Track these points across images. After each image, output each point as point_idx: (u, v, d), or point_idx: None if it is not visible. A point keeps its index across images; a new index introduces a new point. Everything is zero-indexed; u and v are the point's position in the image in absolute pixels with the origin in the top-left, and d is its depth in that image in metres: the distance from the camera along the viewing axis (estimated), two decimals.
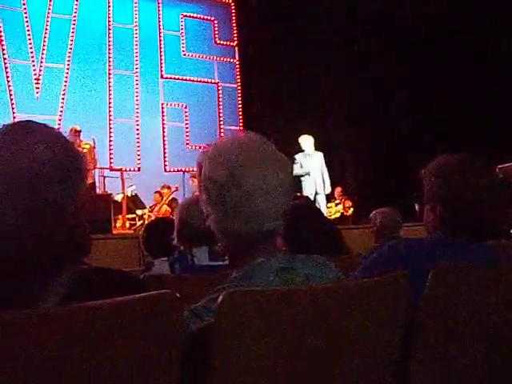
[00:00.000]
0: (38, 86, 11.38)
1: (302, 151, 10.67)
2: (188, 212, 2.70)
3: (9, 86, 11.13)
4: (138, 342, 1.12)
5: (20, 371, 1.04)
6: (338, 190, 11.64)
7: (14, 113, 10.87)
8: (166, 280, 2.22)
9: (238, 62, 13.37)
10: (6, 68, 11.16)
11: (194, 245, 2.66)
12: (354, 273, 1.98)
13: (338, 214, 11.34)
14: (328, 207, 11.17)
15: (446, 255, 1.84)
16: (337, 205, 11.58)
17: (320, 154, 10.88)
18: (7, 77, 11.13)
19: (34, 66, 11.43)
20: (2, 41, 11.16)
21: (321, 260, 1.57)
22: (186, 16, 13.01)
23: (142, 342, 1.12)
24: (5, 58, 11.17)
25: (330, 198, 11.42)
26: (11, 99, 11.05)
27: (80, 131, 9.75)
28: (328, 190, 10.98)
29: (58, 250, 1.26)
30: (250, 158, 1.47)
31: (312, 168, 10.58)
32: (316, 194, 10.62)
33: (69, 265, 1.24)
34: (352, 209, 11.59)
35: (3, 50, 11.16)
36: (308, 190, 10.42)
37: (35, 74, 11.40)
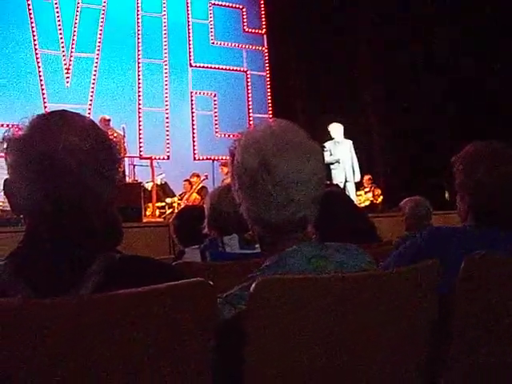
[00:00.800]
0: (68, 75, 11.48)
1: (332, 139, 10.64)
2: (219, 200, 2.71)
3: (40, 75, 11.25)
4: (172, 330, 1.13)
5: (56, 358, 1.06)
6: (367, 177, 11.59)
7: (44, 102, 10.99)
8: (198, 268, 2.23)
9: (266, 50, 13.33)
10: (37, 58, 11.28)
11: (225, 233, 2.66)
12: (386, 261, 1.97)
13: (367, 202, 11.30)
14: (357, 195, 11.14)
15: (477, 245, 1.82)
16: (366, 193, 11.54)
17: (349, 142, 10.85)
18: (38, 67, 11.26)
19: (64, 55, 11.53)
20: (34, 31, 11.27)
21: (353, 248, 1.56)
22: (214, 4, 13.00)
23: (176, 329, 1.13)
24: (36, 48, 11.29)
25: (359, 186, 11.38)
26: (42, 89, 11.18)
27: (109, 120, 9.82)
28: (358, 177, 10.95)
29: (93, 238, 1.27)
30: (283, 146, 1.46)
31: (341, 156, 10.55)
32: (346, 181, 10.60)
33: (104, 253, 1.25)
34: (381, 197, 11.53)
35: (34, 40, 11.28)
36: (338, 178, 10.40)
37: (65, 64, 11.50)
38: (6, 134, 1.27)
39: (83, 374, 1.07)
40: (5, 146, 1.27)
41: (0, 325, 1.03)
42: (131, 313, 1.09)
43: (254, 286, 1.20)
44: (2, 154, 1.28)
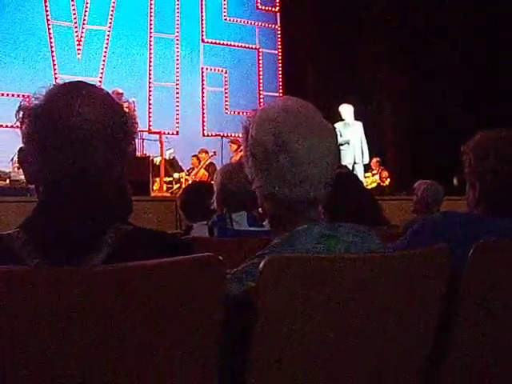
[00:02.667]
0: (79, 47, 11.48)
1: (342, 120, 10.61)
2: (229, 177, 2.71)
3: (51, 47, 11.24)
4: (180, 304, 1.13)
5: (64, 327, 1.06)
6: (376, 160, 11.58)
7: (55, 74, 11.00)
8: (206, 243, 2.24)
9: (279, 28, 13.25)
10: (48, 29, 11.27)
11: (234, 210, 2.67)
12: (396, 243, 1.96)
13: (374, 185, 11.30)
14: (365, 177, 11.13)
15: (486, 231, 1.81)
16: (374, 175, 11.54)
17: (359, 124, 10.82)
18: (50, 38, 11.24)
19: (76, 27, 11.51)
20: (46, 2, 11.24)
21: (363, 229, 1.56)
22: None
23: (184, 303, 1.13)
24: (48, 20, 11.27)
25: (367, 168, 11.37)
26: (53, 60, 11.17)
27: (122, 94, 9.80)
28: (366, 160, 10.95)
29: (106, 208, 1.28)
30: (298, 123, 1.45)
31: (351, 137, 10.53)
32: (354, 163, 10.59)
33: (115, 224, 1.25)
34: (389, 180, 11.52)
35: (47, 11, 11.26)
36: (347, 160, 10.38)
37: (77, 36, 11.49)
38: (22, 104, 1.27)
39: (91, 343, 1.07)
40: (20, 115, 1.27)
41: (12, 292, 1.04)
42: (141, 285, 1.09)
43: (263, 263, 1.19)
44: (18, 124, 1.28)
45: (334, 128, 1.58)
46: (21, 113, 1.27)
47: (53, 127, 1.23)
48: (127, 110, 1.32)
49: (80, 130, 1.23)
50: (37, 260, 1.18)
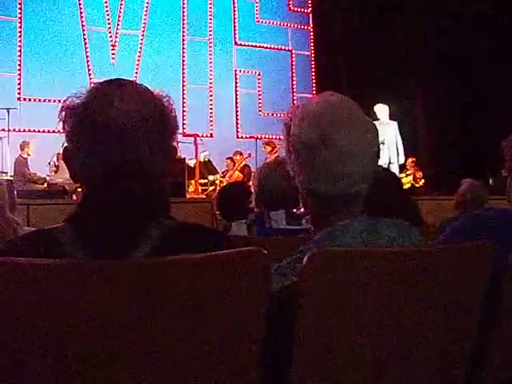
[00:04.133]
0: (113, 52, 11.62)
1: (377, 120, 10.54)
2: (267, 175, 2.72)
3: (86, 52, 11.39)
4: (226, 298, 1.13)
5: (106, 319, 1.07)
6: (411, 160, 11.50)
7: (90, 78, 11.13)
8: (246, 242, 2.24)
9: (311, 29, 13.22)
10: (83, 35, 11.42)
11: (272, 208, 2.67)
12: (436, 240, 1.95)
13: (408, 185, 11.20)
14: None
15: None
16: (408, 175, 11.44)
17: (395, 124, 10.76)
18: (85, 43, 11.40)
19: (110, 32, 11.66)
20: (81, 8, 11.39)
21: (404, 225, 1.55)
22: None
23: (230, 297, 1.13)
24: (83, 25, 11.42)
25: (402, 168, 11.29)
26: (88, 65, 11.32)
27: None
28: (402, 159, 10.88)
29: (149, 203, 1.29)
30: (340, 119, 1.46)
31: (386, 137, 10.46)
32: (389, 163, 10.52)
33: (159, 218, 1.26)
34: (423, 180, 11.42)
35: (81, 17, 11.42)
36: (382, 160, 10.28)
37: (111, 41, 11.63)
38: (64, 103, 1.29)
39: (134, 336, 1.08)
40: (63, 114, 1.29)
41: (58, 286, 1.05)
42: (186, 279, 1.09)
43: (307, 257, 1.19)
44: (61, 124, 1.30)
45: (374, 124, 1.58)
46: (63, 112, 1.29)
47: (92, 123, 1.24)
48: (167, 105, 1.33)
49: (118, 123, 1.24)
50: (82, 254, 1.20)
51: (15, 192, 3.05)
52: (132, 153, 1.25)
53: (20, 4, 11.21)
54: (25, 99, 10.98)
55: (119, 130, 1.24)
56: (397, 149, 10.72)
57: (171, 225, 1.26)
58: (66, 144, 1.31)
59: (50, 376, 1.08)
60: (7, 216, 2.45)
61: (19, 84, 11.07)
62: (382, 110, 10.67)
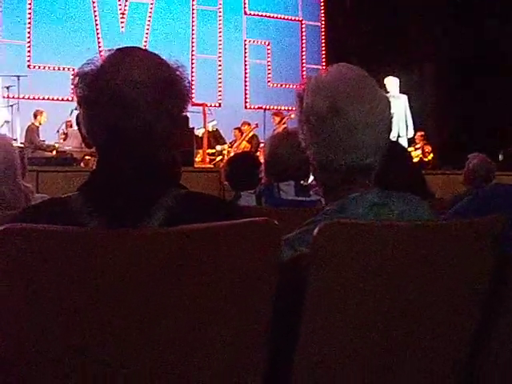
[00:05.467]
0: (123, 20, 11.55)
1: (387, 93, 10.48)
2: (277, 146, 2.71)
3: (95, 20, 11.34)
4: (236, 267, 1.13)
5: (120, 288, 1.09)
6: (420, 134, 11.43)
7: (99, 47, 11.08)
8: (255, 212, 2.25)
9: (322, 0, 13.09)
10: (93, 3, 11.36)
11: (281, 179, 2.68)
12: (445, 214, 1.95)
13: (416, 159, 11.15)
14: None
15: None
16: (416, 149, 11.39)
17: (404, 97, 10.69)
18: (94, 12, 11.34)
19: (119, 1, 11.59)
20: None
21: (414, 199, 1.55)
22: None
23: (240, 266, 1.13)
24: None
25: (411, 142, 11.23)
26: (97, 33, 11.28)
27: None
28: (410, 133, 10.83)
29: (161, 172, 1.30)
30: (353, 90, 1.45)
31: (396, 110, 10.36)
32: (398, 136, 10.46)
33: (171, 188, 1.27)
34: (432, 154, 11.37)
35: None
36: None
37: (120, 9, 11.56)
38: (77, 70, 1.30)
39: (146, 304, 1.10)
40: (76, 80, 1.29)
41: (70, 254, 1.06)
42: (198, 247, 1.10)
43: (317, 228, 1.19)
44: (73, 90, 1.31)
45: (387, 96, 1.57)
46: (76, 78, 1.29)
47: (99, 89, 1.25)
48: (179, 74, 1.33)
49: (124, 90, 1.24)
50: (95, 222, 1.21)
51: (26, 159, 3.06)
52: (138, 121, 1.25)
53: None
54: (35, 67, 10.95)
55: (125, 97, 1.24)
56: (406, 122, 10.67)
57: (184, 194, 1.27)
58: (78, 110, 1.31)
59: (64, 344, 1.09)
60: (19, 183, 2.46)
61: (29, 52, 11.04)
62: (392, 82, 10.59)
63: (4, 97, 9.39)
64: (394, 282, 1.29)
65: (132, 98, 1.24)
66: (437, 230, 1.37)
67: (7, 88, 9.52)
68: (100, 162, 1.31)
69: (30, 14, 11.12)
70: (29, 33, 11.08)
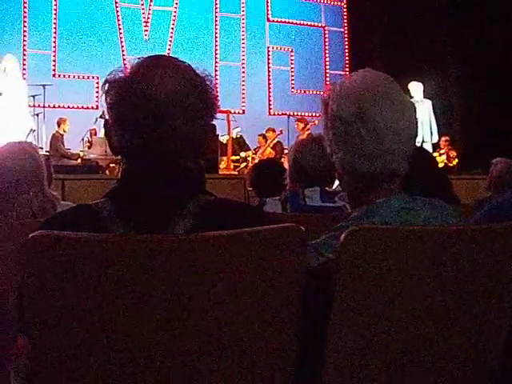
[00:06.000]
0: (146, 28, 11.63)
1: (411, 98, 10.43)
2: (302, 152, 2.71)
3: (119, 28, 11.43)
4: (263, 273, 1.13)
5: (146, 293, 1.09)
6: (444, 139, 11.36)
7: (123, 55, 11.17)
8: (282, 218, 2.24)
9: (345, 5, 13.08)
10: (117, 11, 11.46)
11: (307, 185, 2.68)
12: (471, 219, 1.93)
13: (441, 164, 11.07)
14: None
15: None
16: (441, 154, 11.31)
17: (429, 102, 10.65)
18: (118, 20, 11.44)
19: (143, 9, 11.67)
20: None
21: (440, 204, 1.55)
22: None
23: (267, 272, 1.13)
24: (116, 2, 11.46)
25: (435, 147, 11.17)
26: (121, 42, 11.36)
27: None
28: (435, 138, 10.79)
29: (188, 179, 1.30)
30: (379, 96, 1.45)
31: (420, 115, 10.31)
32: (423, 142, 10.42)
33: (198, 194, 1.27)
34: (456, 159, 11.29)
35: None
36: None
37: (144, 17, 11.64)
38: (107, 77, 1.31)
39: (172, 310, 1.10)
40: (106, 87, 1.30)
41: (98, 260, 1.07)
42: (225, 253, 1.10)
43: (345, 234, 1.19)
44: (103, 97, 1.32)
45: (412, 102, 1.57)
46: (106, 85, 1.30)
47: (131, 96, 1.26)
48: (208, 83, 1.34)
49: (157, 99, 1.25)
50: (122, 229, 1.22)
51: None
52: (169, 129, 1.26)
53: None
54: (59, 75, 11.07)
55: (157, 105, 1.25)
56: (430, 127, 10.62)
57: (211, 201, 1.27)
58: (107, 117, 1.32)
59: (94, 351, 1.10)
60: (46, 191, 2.48)
61: (54, 61, 11.17)
62: (416, 87, 10.55)
63: (30, 105, 9.49)
64: (421, 287, 1.29)
65: (165, 105, 1.25)
66: (465, 234, 1.36)
67: (33, 97, 9.61)
68: (127, 169, 1.32)
69: (55, 23, 11.26)
70: (54, 42, 11.22)
